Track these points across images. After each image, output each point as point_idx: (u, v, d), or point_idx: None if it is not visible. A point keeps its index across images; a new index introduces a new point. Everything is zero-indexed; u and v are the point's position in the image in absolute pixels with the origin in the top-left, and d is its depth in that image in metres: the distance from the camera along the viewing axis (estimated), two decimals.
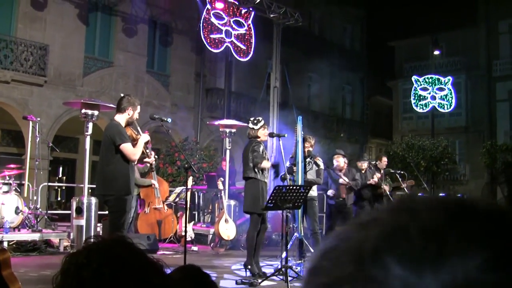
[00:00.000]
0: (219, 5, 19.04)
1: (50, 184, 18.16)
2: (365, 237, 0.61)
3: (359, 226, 0.64)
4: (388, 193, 13.07)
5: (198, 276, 2.33)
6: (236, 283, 8.22)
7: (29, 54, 19.87)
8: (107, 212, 12.62)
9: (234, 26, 19.62)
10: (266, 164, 8.99)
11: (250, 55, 20.20)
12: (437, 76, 30.73)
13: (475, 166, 31.18)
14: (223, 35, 19.30)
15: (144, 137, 7.68)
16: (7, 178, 11.86)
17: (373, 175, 13.53)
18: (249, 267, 9.00)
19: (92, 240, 1.52)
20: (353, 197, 13.13)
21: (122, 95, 8.01)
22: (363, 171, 13.52)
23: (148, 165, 10.36)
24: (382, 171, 13.78)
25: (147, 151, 8.02)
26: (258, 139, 9.35)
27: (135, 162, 7.88)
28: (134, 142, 7.54)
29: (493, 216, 0.61)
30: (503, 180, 26.41)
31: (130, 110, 7.55)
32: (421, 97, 30.45)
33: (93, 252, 1.46)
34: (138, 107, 7.71)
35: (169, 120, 8.55)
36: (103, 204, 11.07)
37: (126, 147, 7.28)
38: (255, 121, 9.40)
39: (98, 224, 12.16)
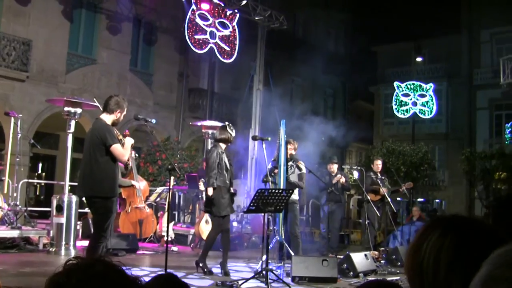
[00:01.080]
0: (205, 6, 19.06)
1: (30, 180, 18.06)
2: None
3: None
4: (389, 199, 13.04)
5: (176, 286, 2.31)
6: (216, 284, 8.23)
7: (12, 49, 19.72)
8: (87, 210, 12.62)
9: (218, 27, 19.65)
10: (210, 191, 9.31)
11: (234, 57, 20.24)
12: (418, 83, 30.95)
13: (454, 172, 31.38)
14: (207, 36, 19.31)
15: (130, 140, 7.67)
16: None
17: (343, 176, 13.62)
18: (201, 264, 9.18)
19: (72, 261, 1.54)
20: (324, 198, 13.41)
21: (125, 96, 7.98)
22: (332, 174, 13.55)
23: (129, 165, 10.39)
24: (378, 175, 13.73)
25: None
26: (225, 145, 9.56)
27: (124, 163, 7.90)
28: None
29: None
30: (481, 188, 26.63)
31: (118, 113, 7.50)
32: (403, 103, 30.65)
33: (73, 271, 1.48)
34: (126, 109, 7.66)
35: (153, 121, 8.54)
36: (83, 203, 11.06)
37: (117, 148, 7.24)
38: (232, 128, 9.63)
39: (78, 222, 12.13)
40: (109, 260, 1.56)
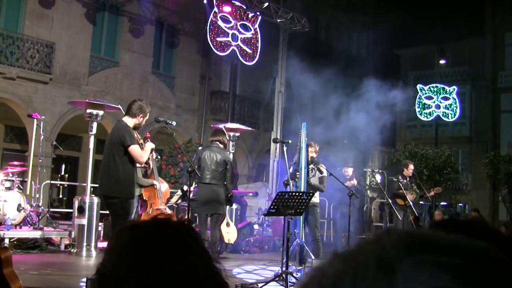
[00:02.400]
0: (227, 9, 19.05)
1: (52, 182, 18.18)
2: (333, 268, 0.66)
3: (337, 257, 0.69)
4: (411, 203, 12.83)
5: None
6: (236, 286, 8.21)
7: (35, 51, 19.91)
8: (108, 212, 12.67)
9: (240, 29, 19.64)
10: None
11: (256, 59, 20.21)
12: (442, 85, 30.66)
13: (478, 176, 31.13)
14: (229, 38, 19.31)
15: (151, 144, 7.75)
16: (10, 175, 11.90)
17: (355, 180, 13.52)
18: None
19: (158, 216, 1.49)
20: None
21: (144, 100, 8.10)
22: (347, 177, 13.41)
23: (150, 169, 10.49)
24: (407, 179, 13.42)
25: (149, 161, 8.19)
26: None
27: (142, 165, 7.97)
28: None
29: (447, 250, 0.65)
30: (505, 192, 26.33)
31: (140, 117, 7.58)
32: (426, 106, 30.39)
33: (156, 221, 1.43)
34: (148, 114, 7.74)
35: (174, 123, 8.60)
36: (105, 204, 11.12)
37: (135, 148, 7.31)
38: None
39: (100, 224, 12.17)
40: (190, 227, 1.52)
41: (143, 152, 7.47)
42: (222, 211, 9.97)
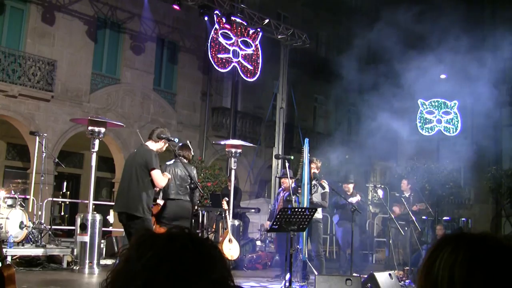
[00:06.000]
0: (227, 25, 19.14)
1: (55, 199, 18.16)
2: None
3: None
4: (413, 218, 12.86)
5: None
6: None
7: (37, 69, 19.94)
8: (111, 229, 12.67)
9: (241, 46, 19.71)
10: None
11: (257, 76, 20.26)
12: (443, 100, 30.67)
13: (480, 190, 31.04)
14: (230, 55, 19.37)
15: (168, 174, 8.23)
16: (12, 192, 11.90)
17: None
18: None
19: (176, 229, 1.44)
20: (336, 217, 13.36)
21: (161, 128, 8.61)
22: (348, 193, 13.35)
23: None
24: (404, 193, 13.71)
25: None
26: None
27: (160, 188, 8.44)
28: None
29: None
30: (507, 203, 26.29)
31: (162, 143, 8.21)
32: (427, 121, 30.40)
33: (177, 236, 1.41)
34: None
35: (176, 140, 8.69)
36: (107, 221, 11.17)
37: (157, 173, 7.84)
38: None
39: (102, 241, 12.16)
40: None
41: (164, 177, 7.95)
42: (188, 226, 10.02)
